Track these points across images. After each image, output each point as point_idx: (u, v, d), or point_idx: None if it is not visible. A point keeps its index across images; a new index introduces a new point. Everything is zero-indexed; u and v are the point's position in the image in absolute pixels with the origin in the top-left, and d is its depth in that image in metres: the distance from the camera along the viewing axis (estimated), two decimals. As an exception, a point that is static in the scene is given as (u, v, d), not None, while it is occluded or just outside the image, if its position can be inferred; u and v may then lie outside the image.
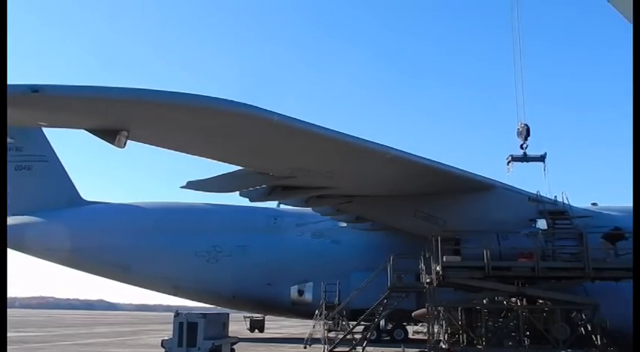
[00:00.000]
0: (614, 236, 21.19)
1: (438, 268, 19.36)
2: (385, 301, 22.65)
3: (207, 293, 33.57)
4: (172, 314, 17.96)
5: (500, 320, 19.81)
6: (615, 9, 22.32)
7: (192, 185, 22.09)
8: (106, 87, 13.37)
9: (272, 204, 30.25)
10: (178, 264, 31.87)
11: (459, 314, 20.26)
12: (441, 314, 20.15)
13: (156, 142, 17.34)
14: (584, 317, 19.55)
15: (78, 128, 15.02)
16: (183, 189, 22.15)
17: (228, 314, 20.59)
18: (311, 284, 29.97)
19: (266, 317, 41.72)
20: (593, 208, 27.58)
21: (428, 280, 20.44)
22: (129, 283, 35.10)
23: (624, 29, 22.33)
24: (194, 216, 33.87)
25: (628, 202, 29.74)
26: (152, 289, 35.41)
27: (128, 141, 15.17)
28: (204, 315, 17.37)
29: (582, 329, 19.23)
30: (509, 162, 24.06)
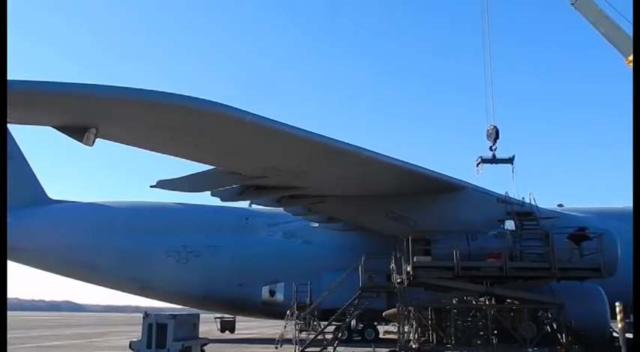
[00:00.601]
0: (579, 236, 21.71)
1: (408, 268, 19.55)
2: (356, 301, 22.76)
3: (177, 293, 33.20)
4: (141, 315, 17.71)
5: (469, 319, 20.10)
6: (580, 14, 22.99)
7: (163, 184, 21.82)
8: (74, 83, 13.09)
9: (244, 204, 30.08)
10: (148, 264, 31.43)
11: (429, 313, 20.52)
12: (411, 314, 20.36)
13: (125, 140, 17.07)
14: (550, 316, 20.00)
15: (45, 125, 14.68)
16: (153, 189, 21.89)
17: (198, 314, 20.41)
18: (282, 284, 29.91)
19: (237, 317, 41.45)
20: (559, 209, 28.22)
21: (399, 280, 20.62)
22: (96, 283, 34.46)
23: (590, 32, 22.95)
24: (164, 215, 33.45)
25: (592, 204, 30.60)
26: (120, 290, 34.82)
27: (97, 139, 14.91)
28: (174, 316, 17.19)
29: (548, 327, 19.67)
30: (478, 164, 24.50)
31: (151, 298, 35.87)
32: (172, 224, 32.54)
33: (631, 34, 21.68)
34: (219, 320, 41.42)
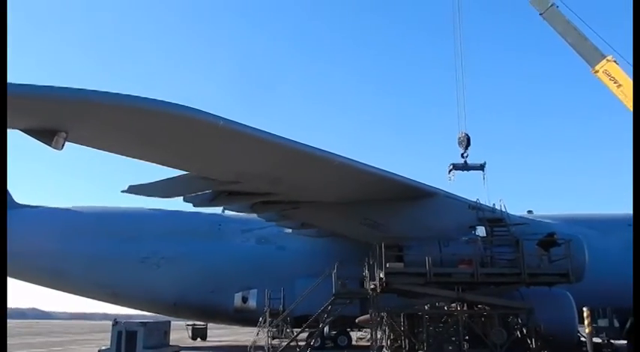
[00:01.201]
0: (547, 242, 22.12)
1: (381, 274, 19.63)
2: (329, 307, 22.75)
3: (148, 300, 32.63)
4: (110, 322, 17.39)
5: (441, 325, 20.28)
6: (548, 24, 23.54)
7: (134, 189, 21.50)
8: (43, 85, 12.81)
9: (217, 210, 29.82)
10: (117, 270, 30.83)
11: (402, 319, 20.63)
12: (384, 320, 20.43)
13: (96, 144, 16.76)
14: (520, 321, 20.31)
15: (12, 128, 14.32)
16: (124, 194, 21.54)
17: (169, 322, 20.19)
18: (255, 291, 29.64)
19: (209, 325, 40.97)
20: (528, 216, 28.72)
21: (372, 286, 20.69)
22: (64, 290, 33.65)
23: (559, 41, 23.44)
24: (135, 220, 32.89)
25: (561, 210, 31.22)
26: (89, 296, 34.08)
27: (67, 142, 14.61)
28: (144, 324, 16.95)
29: (518, 332, 19.96)
30: (450, 171, 24.78)
31: (121, 305, 35.19)
32: (143, 229, 32.01)
33: (596, 45, 22.29)
34: (190, 327, 40.91)
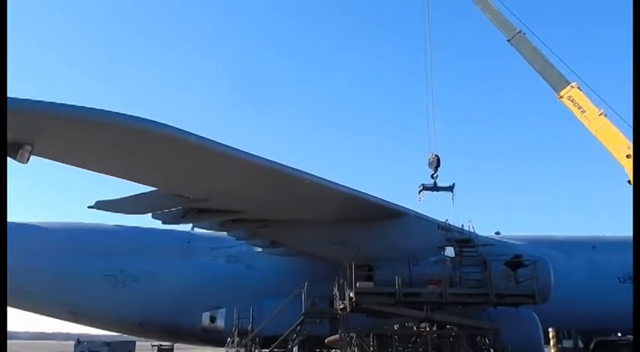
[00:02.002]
0: (514, 263, 22.46)
1: (351, 294, 19.59)
2: (299, 327, 22.54)
3: (113, 319, 31.77)
4: (73, 342, 16.88)
5: (410, 345, 20.28)
6: (516, 50, 24.22)
7: (102, 205, 21.09)
8: (10, 98, 12.56)
9: (186, 227, 29.42)
10: (81, 288, 30.00)
11: (371, 340, 20.56)
12: (353, 341, 20.32)
13: (62, 158, 16.45)
14: (487, 341, 20.46)
15: (-25, 141, 13.95)
16: (90, 210, 21.12)
17: (134, 342, 19.72)
18: (223, 310, 29.15)
19: (175, 345, 40.07)
20: (496, 237, 29.14)
21: (341, 306, 20.61)
22: (25, 309, 32.52)
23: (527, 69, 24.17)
24: (101, 237, 32.14)
25: (528, 232, 31.79)
26: (51, 315, 33.00)
27: (32, 156, 14.31)
28: (108, 344, 16.52)
29: (485, 352, 20.10)
30: (420, 191, 25.03)
31: (84, 324, 34.17)
32: (110, 246, 31.30)
33: (561, 72, 23.01)
34: (156, 347, 39.90)
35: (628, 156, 20.70)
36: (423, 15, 27.24)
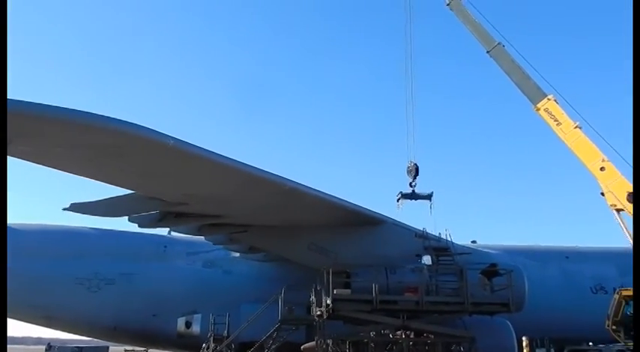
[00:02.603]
0: (490, 272, 22.70)
1: (328, 301, 19.59)
2: (275, 334, 22.44)
3: (86, 324, 31.24)
4: (43, 347, 16.55)
5: (386, 352, 20.32)
6: (495, 62, 24.59)
7: (77, 207, 20.77)
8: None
9: (162, 231, 29.11)
10: (54, 291, 29.44)
11: (347, 347, 20.56)
12: (329, 348, 20.30)
13: (38, 160, 16.19)
14: (462, 349, 20.62)
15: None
16: (65, 212, 20.78)
17: (107, 347, 19.42)
18: (199, 315, 28.87)
19: (149, 350, 39.55)
20: (472, 245, 29.43)
21: (318, 313, 20.59)
22: (-6, 313, 31.82)
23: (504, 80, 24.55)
24: (75, 240, 31.61)
25: (503, 241, 32.19)
26: (23, 320, 32.28)
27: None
28: (80, 349, 16.22)
29: (460, 361, 20.25)
30: (399, 199, 25.19)
31: (56, 329, 33.51)
32: (84, 249, 30.80)
33: (538, 84, 23.43)
34: (129, 353, 39.35)
35: (602, 169, 21.13)
36: (405, 22, 27.54)
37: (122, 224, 23.37)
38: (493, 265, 23.27)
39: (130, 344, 35.85)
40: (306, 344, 24.48)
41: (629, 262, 21.99)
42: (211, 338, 25.05)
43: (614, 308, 19.86)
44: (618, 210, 20.66)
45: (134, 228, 23.20)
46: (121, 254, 30.66)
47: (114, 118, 14.03)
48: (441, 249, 23.64)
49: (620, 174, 20.87)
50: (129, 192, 19.58)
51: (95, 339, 36.46)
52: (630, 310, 19.70)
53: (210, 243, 27.43)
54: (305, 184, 19.68)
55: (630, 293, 19.96)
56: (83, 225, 32.33)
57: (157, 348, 36.97)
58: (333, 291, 19.64)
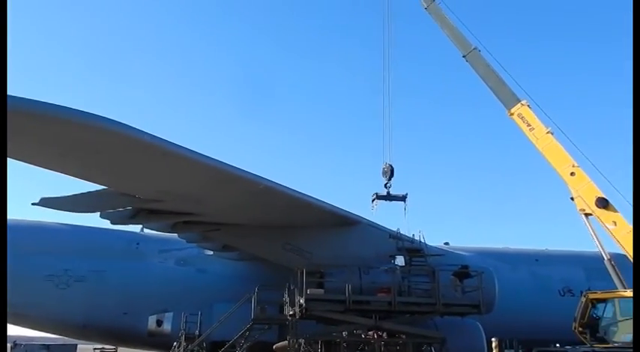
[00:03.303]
0: (462, 274, 23.00)
1: (301, 300, 19.61)
2: (247, 333, 22.38)
3: (54, 321, 30.66)
4: (10, 345, 16.20)
5: (358, 352, 20.43)
6: (471, 67, 24.91)
7: (47, 202, 20.42)
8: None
9: (135, 228, 28.76)
10: (21, 288, 28.77)
11: (319, 346, 20.61)
12: (301, 347, 20.33)
13: (9, 154, 15.82)
14: (433, 350, 20.86)
15: None
16: (35, 207, 20.42)
17: (75, 345, 19.12)
18: (171, 314, 28.61)
19: (119, 348, 39.01)
20: (445, 247, 29.80)
21: (291, 312, 20.59)
22: (-42, 309, 31.02)
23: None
24: (45, 236, 30.99)
25: (476, 243, 32.67)
26: (-13, 316, 31.59)
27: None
28: (48, 347, 15.92)
29: (431, 361, 20.49)
30: (373, 200, 25.32)
31: (22, 326, 32.81)
32: (54, 245, 30.24)
33: (512, 89, 23.81)
34: (98, 351, 38.75)
35: (572, 174, 21.56)
36: (383, 24, 27.70)
37: (94, 220, 23.04)
38: (464, 266, 23.58)
39: (100, 342, 35.32)
40: (278, 344, 24.45)
41: (597, 266, 22.58)
42: (183, 337, 24.85)
43: (581, 311, 20.28)
44: (587, 215, 21.10)
45: (106, 224, 22.91)
46: (91, 251, 30.18)
47: (88, 113, 13.85)
48: (414, 250, 23.86)
49: (589, 179, 21.32)
50: (101, 187, 19.31)
51: (64, 337, 35.84)
52: (596, 313, 20.15)
53: (184, 240, 27.21)
54: (280, 183, 19.67)
55: (597, 296, 20.44)
56: (53, 221, 31.73)
57: (128, 347, 36.51)
58: (306, 291, 19.67)
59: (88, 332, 31.45)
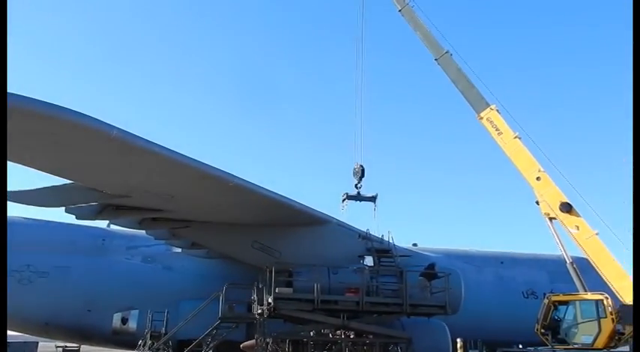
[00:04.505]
0: (429, 274, 23.28)
1: (269, 299, 19.57)
2: (214, 331, 22.22)
3: (15, 318, 29.82)
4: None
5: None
6: (442, 70, 25.22)
7: (11, 196, 19.85)
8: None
9: (101, 224, 28.23)
10: (-18, 283, 28.04)
11: (287, 346, 20.61)
12: (269, 346, 20.29)
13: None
14: (399, 350, 21.07)
15: None
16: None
17: (36, 343, 18.65)
18: (137, 312, 28.17)
19: (82, 347, 38.26)
20: (413, 248, 30.11)
21: (259, 311, 20.53)
22: None
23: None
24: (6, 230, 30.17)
25: (443, 245, 33.09)
26: (-57, 313, 30.60)
27: None
28: (8, 344, 15.47)
29: (397, 361, 20.69)
30: (343, 200, 25.43)
31: (-18, 323, 31.95)
32: (16, 240, 29.40)
33: (482, 94, 24.19)
34: (61, 349, 37.91)
35: (538, 178, 22.04)
36: (357, 19, 27.88)
37: (59, 215, 22.52)
38: (431, 265, 23.86)
39: (63, 340, 34.54)
40: (246, 343, 24.36)
41: (559, 268, 23.16)
42: (148, 335, 24.52)
43: (543, 313, 20.75)
44: (551, 219, 21.60)
45: (72, 219, 22.43)
46: (56, 246, 29.50)
47: (54, 104, 13.50)
48: (383, 250, 24.05)
49: (554, 184, 21.83)
50: (67, 181, 18.89)
51: (24, 335, 34.97)
52: (558, 315, 20.63)
53: (152, 237, 26.84)
54: (250, 181, 19.56)
55: (559, 298, 20.95)
56: (16, 215, 30.92)
57: (91, 345, 35.81)
58: (274, 290, 19.64)
59: (51, 330, 30.73)
